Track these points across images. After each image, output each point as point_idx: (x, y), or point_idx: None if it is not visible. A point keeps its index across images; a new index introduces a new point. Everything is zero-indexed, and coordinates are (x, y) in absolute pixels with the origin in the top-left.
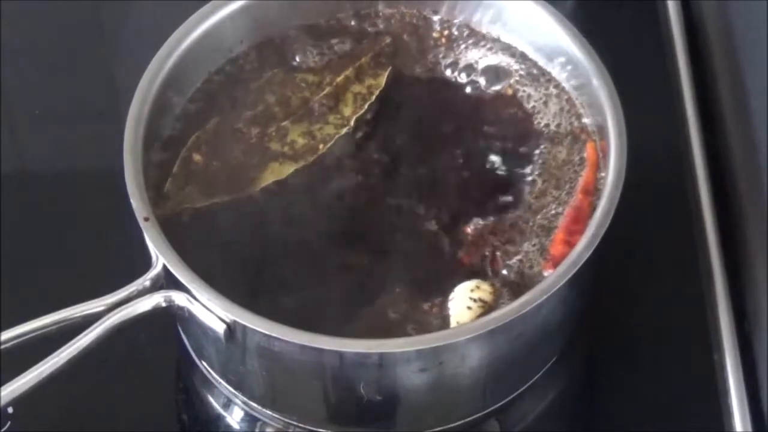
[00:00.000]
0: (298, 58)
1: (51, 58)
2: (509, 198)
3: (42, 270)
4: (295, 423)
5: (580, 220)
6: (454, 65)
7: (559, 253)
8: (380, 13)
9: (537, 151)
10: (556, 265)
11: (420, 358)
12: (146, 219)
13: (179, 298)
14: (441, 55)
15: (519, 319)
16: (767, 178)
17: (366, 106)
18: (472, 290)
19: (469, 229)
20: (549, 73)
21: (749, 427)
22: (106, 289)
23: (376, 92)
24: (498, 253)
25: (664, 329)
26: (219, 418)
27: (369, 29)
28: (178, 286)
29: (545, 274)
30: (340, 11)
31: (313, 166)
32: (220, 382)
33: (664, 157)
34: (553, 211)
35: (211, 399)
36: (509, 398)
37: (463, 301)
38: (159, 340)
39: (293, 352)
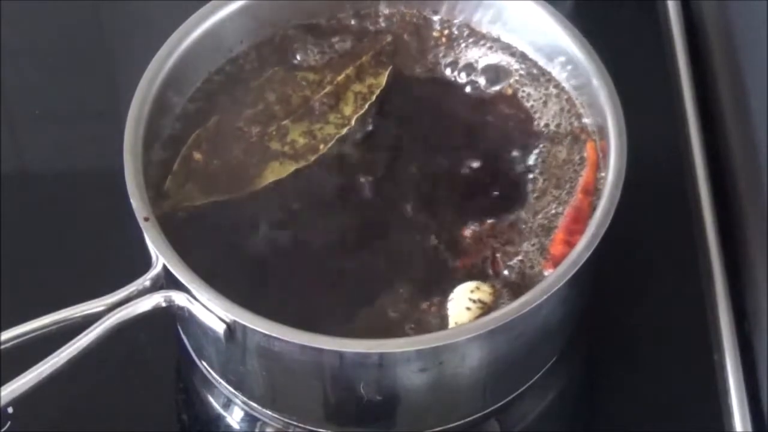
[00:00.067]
0: (298, 57)
1: (51, 58)
2: (509, 198)
3: (42, 270)
4: (295, 423)
5: (580, 220)
6: (454, 65)
7: (559, 253)
8: (380, 13)
9: (537, 151)
10: (556, 264)
11: (420, 358)
12: (146, 219)
13: (179, 298)
14: (441, 55)
15: (519, 319)
16: (767, 178)
17: (366, 106)
18: (471, 291)
19: (469, 230)
20: (549, 73)
21: (749, 427)
22: (106, 289)
23: (377, 91)
24: (498, 255)
25: (664, 329)
26: (219, 418)
27: (370, 28)
28: (178, 286)
29: (545, 273)
30: (340, 11)
31: (314, 165)
32: (220, 382)
33: (664, 157)
34: (553, 211)
35: (211, 399)
36: (509, 398)
37: (463, 301)
38: (159, 340)
39: (293, 352)
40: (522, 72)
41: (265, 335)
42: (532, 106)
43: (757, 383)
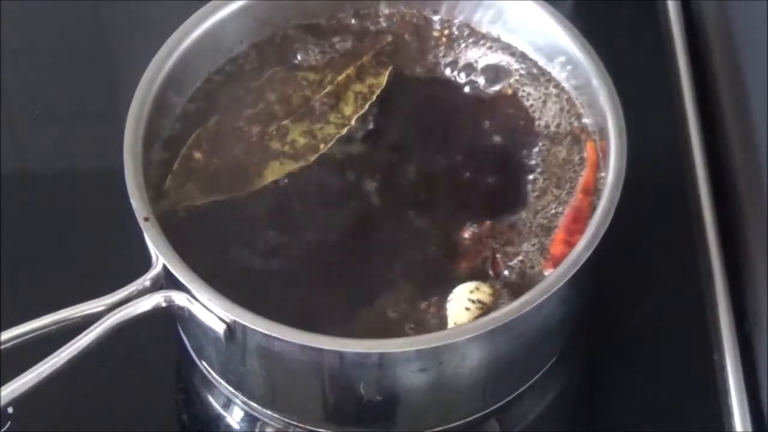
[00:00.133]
0: (299, 57)
1: (51, 58)
2: (509, 198)
3: (42, 270)
4: (295, 423)
5: (580, 220)
6: (454, 65)
7: (560, 253)
8: (380, 13)
9: (537, 151)
10: (556, 264)
11: (420, 358)
12: (146, 219)
13: (179, 298)
14: (441, 55)
15: (519, 319)
16: (767, 178)
17: (367, 106)
18: (471, 291)
19: (468, 231)
20: (549, 73)
21: (749, 427)
22: (106, 289)
23: (377, 91)
24: (498, 255)
25: (664, 329)
26: (219, 418)
27: (371, 28)
28: (178, 286)
29: (545, 273)
30: (340, 11)
31: (314, 165)
32: (220, 382)
33: (664, 157)
34: (553, 211)
35: (211, 399)
36: (509, 398)
37: (462, 302)
38: (159, 340)
39: (293, 352)
40: (522, 72)
41: (265, 335)
42: (531, 106)
43: (757, 383)
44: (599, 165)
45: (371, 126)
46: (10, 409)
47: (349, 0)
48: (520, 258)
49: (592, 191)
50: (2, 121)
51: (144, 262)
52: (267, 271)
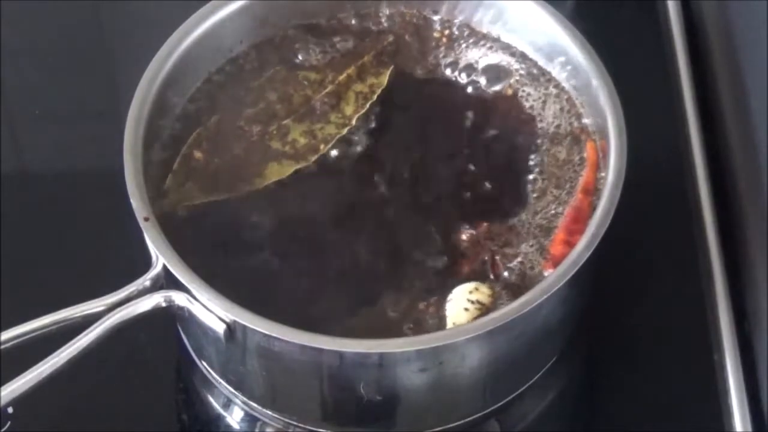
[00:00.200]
0: (300, 56)
1: (51, 58)
2: (509, 199)
3: (42, 270)
4: (295, 423)
5: (580, 220)
6: (454, 65)
7: (560, 253)
8: (380, 13)
9: (537, 151)
10: (556, 265)
11: (420, 358)
12: (146, 219)
13: (179, 298)
14: (441, 55)
15: (519, 319)
16: (767, 178)
17: (368, 106)
18: (470, 292)
19: (468, 231)
20: (549, 73)
21: (749, 427)
22: (106, 289)
23: (378, 91)
24: (497, 257)
25: (664, 329)
26: (219, 418)
27: (372, 27)
28: (178, 286)
29: (545, 273)
30: (340, 11)
31: (314, 166)
32: (220, 382)
33: (664, 157)
34: (553, 211)
35: (211, 399)
36: (509, 398)
37: (461, 302)
38: (159, 340)
39: (293, 352)
40: (522, 72)
41: (265, 335)
42: (532, 106)
43: (757, 383)
44: (599, 165)
45: (372, 126)
46: (10, 409)
47: (350, 0)
48: (520, 259)
49: (592, 191)
50: (2, 121)
51: (144, 262)
52: (267, 271)
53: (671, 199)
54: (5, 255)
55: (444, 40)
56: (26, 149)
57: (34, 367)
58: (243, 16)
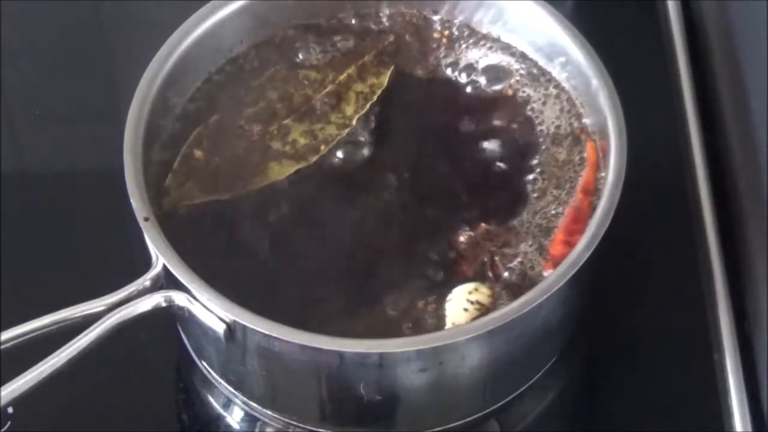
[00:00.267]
0: (301, 55)
1: (51, 58)
2: (509, 199)
3: (42, 270)
4: (295, 423)
5: (580, 220)
6: (454, 65)
7: (559, 253)
8: (381, 13)
9: (537, 151)
10: (556, 265)
11: (420, 358)
12: (146, 219)
13: (179, 298)
14: (442, 55)
15: (519, 319)
16: (767, 178)
17: (368, 106)
18: (470, 292)
19: (468, 232)
20: (549, 73)
21: (749, 427)
22: (106, 289)
23: (379, 91)
24: (497, 257)
25: (664, 329)
26: (219, 418)
27: (372, 27)
28: (178, 286)
29: (545, 274)
30: (340, 11)
31: (314, 166)
32: (220, 382)
33: (664, 157)
34: (553, 211)
35: (211, 399)
36: (509, 398)
37: (460, 302)
38: (159, 340)
39: (293, 352)
40: (522, 72)
41: (265, 335)
42: (532, 106)
43: (757, 383)
44: (599, 165)
45: (372, 126)
46: (10, 409)
47: (350, 0)
48: (520, 259)
49: (592, 191)
50: (2, 121)
51: (144, 262)
52: (267, 271)
53: (671, 199)
54: (5, 255)
55: (444, 40)
56: (26, 149)
57: (34, 367)
58: (243, 16)
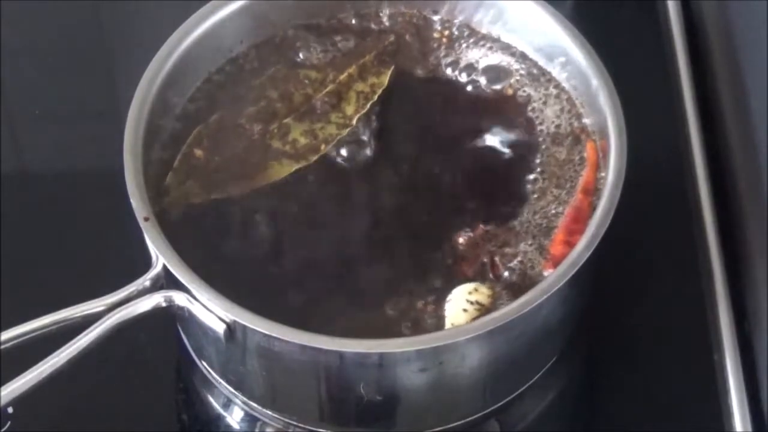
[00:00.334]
0: (301, 55)
1: (51, 58)
2: (509, 199)
3: (42, 270)
4: (295, 423)
5: (580, 220)
6: (454, 65)
7: (560, 253)
8: (381, 13)
9: (537, 151)
10: (556, 265)
11: (420, 358)
12: (146, 219)
13: (179, 298)
14: (442, 55)
15: (519, 319)
16: (767, 178)
17: (368, 105)
18: (470, 293)
19: (468, 232)
20: (549, 73)
21: (749, 427)
22: (106, 289)
23: (379, 91)
24: (497, 258)
25: (664, 329)
26: (219, 418)
27: (373, 27)
28: (178, 286)
29: (545, 274)
30: (340, 11)
31: (315, 165)
32: (220, 382)
33: (664, 157)
34: (553, 211)
35: (211, 399)
36: (509, 398)
37: (460, 303)
38: (159, 340)
39: (293, 352)
40: (522, 72)
41: (265, 335)
42: (532, 106)
43: (757, 383)
44: (599, 165)
45: (372, 126)
46: (10, 409)
47: (350, 0)
48: (520, 259)
49: (592, 191)
50: (2, 121)
51: (144, 262)
52: (267, 271)
53: (671, 199)
54: (5, 255)
55: (444, 40)
56: (26, 149)
57: (34, 367)
58: (243, 16)
